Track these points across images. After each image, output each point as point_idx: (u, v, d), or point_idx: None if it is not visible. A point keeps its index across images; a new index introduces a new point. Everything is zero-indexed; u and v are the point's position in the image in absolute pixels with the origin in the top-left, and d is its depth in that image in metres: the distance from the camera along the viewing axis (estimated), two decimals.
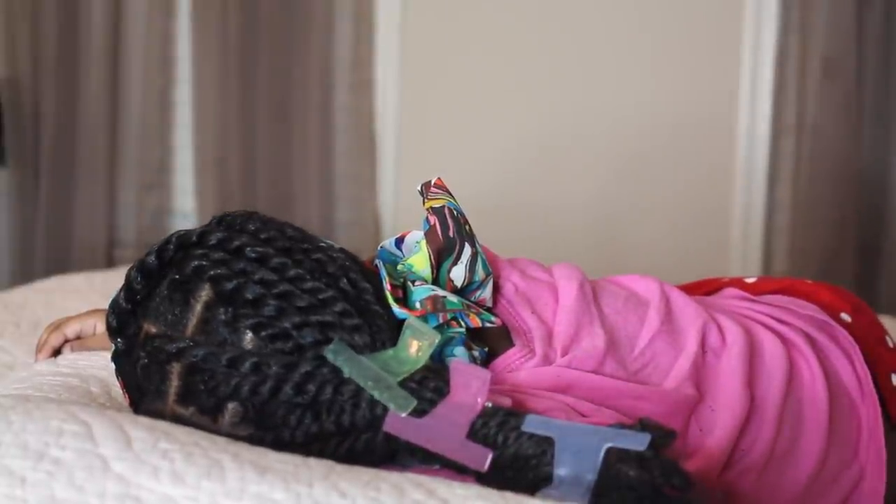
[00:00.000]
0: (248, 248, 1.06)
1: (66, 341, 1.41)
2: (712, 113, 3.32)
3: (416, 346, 1.02)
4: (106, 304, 1.14)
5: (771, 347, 1.22)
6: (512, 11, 3.36)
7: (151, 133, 3.49)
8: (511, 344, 1.15)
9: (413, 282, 1.12)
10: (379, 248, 1.20)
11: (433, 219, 1.15)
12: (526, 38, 3.37)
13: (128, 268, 1.11)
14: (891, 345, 1.35)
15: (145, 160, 3.50)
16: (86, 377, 1.27)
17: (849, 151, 3.23)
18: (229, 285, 1.02)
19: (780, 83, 3.25)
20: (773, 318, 1.29)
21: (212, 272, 1.04)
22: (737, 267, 3.27)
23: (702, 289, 1.48)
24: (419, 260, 1.13)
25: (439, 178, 1.20)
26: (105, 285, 2.15)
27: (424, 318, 1.08)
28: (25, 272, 3.42)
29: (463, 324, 1.11)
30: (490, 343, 1.15)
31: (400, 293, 1.12)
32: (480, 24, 3.38)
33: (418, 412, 0.96)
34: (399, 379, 0.99)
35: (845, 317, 1.33)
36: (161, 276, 1.07)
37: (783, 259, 3.25)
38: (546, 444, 0.93)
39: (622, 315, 1.21)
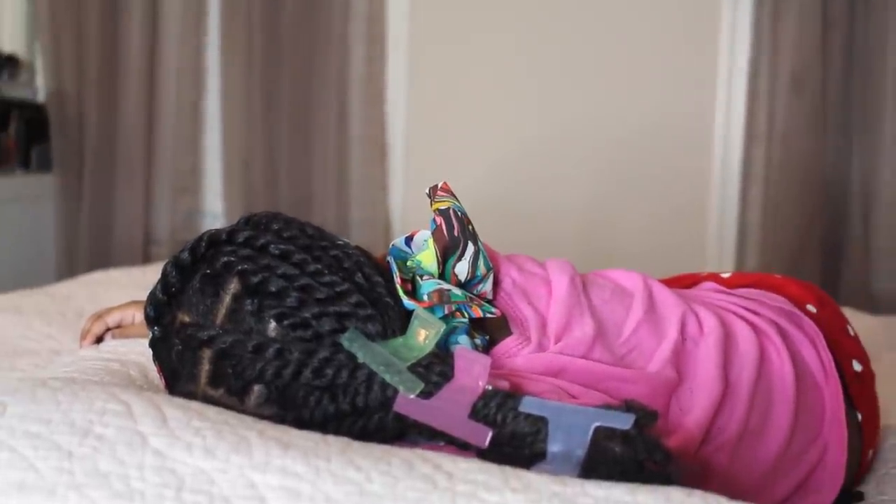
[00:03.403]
0: (273, 246, 1.06)
1: (108, 329, 1.41)
2: (691, 122, 3.32)
3: (423, 335, 1.02)
4: (143, 296, 1.14)
5: (744, 335, 1.22)
6: (508, 34, 3.37)
7: (184, 141, 3.50)
8: (509, 332, 1.15)
9: (421, 276, 1.12)
10: (390, 245, 1.20)
11: (439, 219, 1.14)
12: (519, 58, 3.38)
13: (163, 263, 1.11)
14: (852, 333, 1.35)
15: (178, 165, 3.50)
16: (126, 362, 1.27)
17: (814, 158, 3.23)
18: (255, 279, 1.02)
19: (753, 95, 3.25)
20: (746, 308, 1.29)
21: (239, 267, 1.03)
22: (713, 262, 3.27)
23: (681, 282, 1.48)
24: (427, 256, 1.13)
25: (445, 182, 1.20)
26: (142, 278, 2.15)
27: (431, 309, 1.08)
28: (70, 267, 3.43)
29: (466, 314, 1.11)
30: (490, 332, 1.15)
31: (409, 286, 1.11)
32: (480, 46, 3.39)
33: (425, 394, 0.96)
34: (408, 364, 0.98)
35: (811, 308, 1.33)
36: (194, 270, 1.07)
37: (755, 255, 3.25)
38: (540, 423, 0.92)
39: (609, 305, 1.21)
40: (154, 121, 3.49)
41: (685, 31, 3.30)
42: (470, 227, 1.16)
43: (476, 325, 1.14)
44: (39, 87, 3.53)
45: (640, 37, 3.32)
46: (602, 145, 3.34)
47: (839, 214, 3.27)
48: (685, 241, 3.32)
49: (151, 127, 3.49)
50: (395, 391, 0.97)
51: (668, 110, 3.32)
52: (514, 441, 0.93)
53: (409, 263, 1.16)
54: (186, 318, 1.05)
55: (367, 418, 1.00)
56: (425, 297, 1.09)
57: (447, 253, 1.13)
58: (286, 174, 3.46)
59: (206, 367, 1.02)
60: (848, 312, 1.71)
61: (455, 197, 1.18)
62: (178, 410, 0.93)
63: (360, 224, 3.44)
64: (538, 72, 3.36)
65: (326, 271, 1.05)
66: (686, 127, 3.32)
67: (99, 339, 1.41)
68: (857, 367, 1.30)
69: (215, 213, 3.55)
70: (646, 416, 0.93)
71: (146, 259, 3.48)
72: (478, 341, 1.12)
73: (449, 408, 0.95)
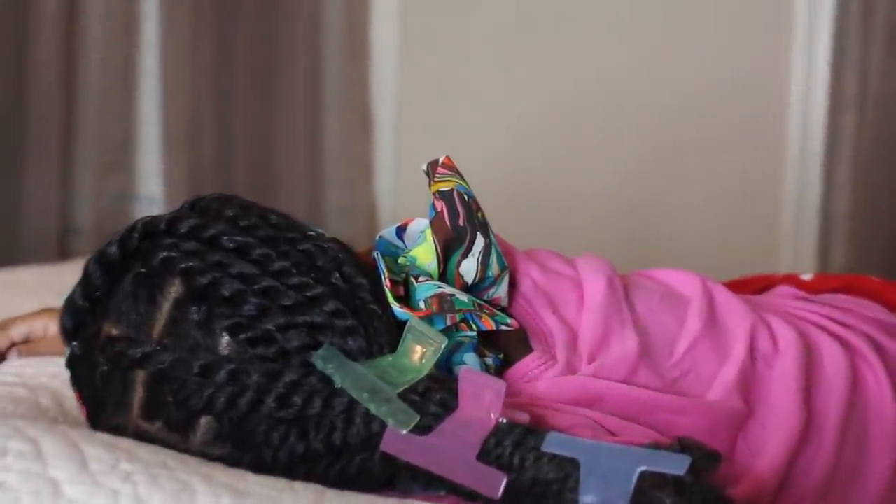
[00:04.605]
0: (225, 238, 1.05)
1: (13, 345, 1.40)
2: (761, 85, 3.32)
3: (419, 352, 1.02)
4: (59, 302, 1.13)
5: (831, 354, 1.21)
6: None
7: (112, 105, 3.49)
8: (529, 349, 1.15)
9: (416, 277, 1.11)
10: (377, 237, 1.20)
11: (440, 204, 1.14)
12: (541, 1, 3.37)
13: (85, 260, 1.10)
14: None
15: (105, 136, 3.49)
16: (34, 387, 1.27)
17: None
18: (203, 280, 1.02)
19: (839, 51, 3.25)
20: (833, 320, 1.29)
21: (183, 265, 1.03)
22: (788, 261, 3.27)
23: (750, 287, 1.48)
24: (424, 252, 1.13)
25: (448, 157, 1.20)
26: (57, 280, 2.14)
27: (429, 319, 1.07)
28: None
29: (474, 326, 1.11)
30: (505, 349, 1.15)
31: (401, 291, 1.11)
32: None
33: (421, 429, 0.96)
34: (399, 390, 0.98)
35: None
36: (124, 269, 1.07)
37: (842, 251, 3.25)
38: (570, 466, 0.92)
39: (658, 315, 1.21)
40: (73, 79, 3.48)
41: None
42: (479, 214, 1.16)
43: (487, 341, 1.14)
44: None
45: None
46: (646, 113, 3.34)
47: None
48: (753, 234, 3.33)
49: (70, 86, 3.47)
50: (383, 425, 0.97)
51: (730, 69, 3.32)
52: (535, 490, 0.93)
53: (400, 261, 1.16)
54: (114, 331, 1.05)
55: (347, 460, 1.00)
56: (422, 305, 1.09)
57: (450, 247, 1.13)
58: (242, 148, 3.46)
59: (139, 393, 1.02)
60: None
61: (460, 175, 1.18)
62: (101, 450, 0.93)
63: (339, 212, 3.44)
64: (565, 20, 3.36)
65: (295, 271, 1.05)
66: (755, 90, 3.32)
67: (0, 358, 1.40)
68: None
69: (152, 196, 3.55)
70: (705, 459, 0.93)
71: (63, 255, 3.47)
72: (489, 361, 1.12)
73: (452, 447, 0.95)
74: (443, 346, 1.02)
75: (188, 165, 3.46)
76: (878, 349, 1.25)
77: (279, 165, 3.46)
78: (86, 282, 1.08)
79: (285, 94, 3.44)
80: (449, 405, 0.98)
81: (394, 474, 1.00)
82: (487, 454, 0.95)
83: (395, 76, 3.42)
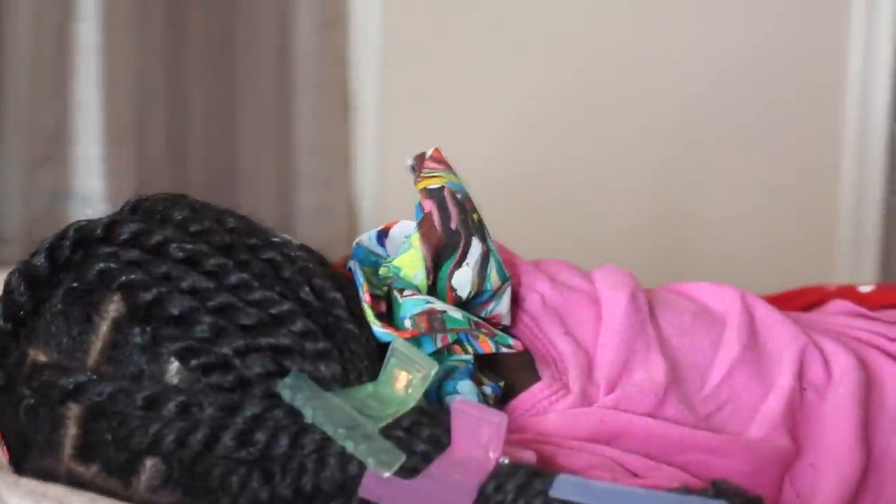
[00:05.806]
0: (174, 245, 1.05)
1: None
2: (813, 61, 3.32)
3: (404, 380, 1.01)
4: None
5: (895, 382, 1.21)
6: None
7: (44, 87, 3.49)
8: (536, 377, 1.15)
9: (401, 291, 1.12)
10: (354, 244, 1.20)
11: (428, 204, 1.14)
12: None
13: (7, 272, 1.10)
14: None
15: (35, 123, 3.49)
16: None
17: None
18: (147, 296, 1.02)
19: None
20: None
21: (123, 278, 1.03)
22: (845, 269, 3.27)
23: (799, 302, 1.48)
24: (409, 261, 1.13)
25: (437, 149, 1.20)
26: None
27: (417, 340, 1.08)
28: None
29: (470, 349, 1.12)
30: (507, 376, 1.15)
31: (383, 307, 1.12)
32: None
33: (407, 471, 0.96)
34: (381, 425, 0.98)
35: None
36: (53, 283, 1.07)
37: None
38: None
39: (689, 337, 1.21)
40: None
41: None
42: (475, 216, 1.17)
43: (485, 366, 1.15)
44: None
45: None
46: (677, 93, 3.34)
47: None
48: (802, 236, 3.33)
49: None
50: (362, 467, 0.97)
51: (776, 43, 3.32)
52: None
53: (382, 272, 1.17)
54: (42, 357, 1.04)
55: None
56: (407, 323, 1.09)
57: (441, 255, 1.14)
58: (197, 138, 3.46)
59: (72, 431, 1.02)
60: None
61: (452, 171, 1.18)
62: (27, 500, 0.92)
63: (312, 213, 3.43)
64: None
65: (256, 284, 1.06)
66: (805, 64, 3.32)
67: None
68: None
69: (90, 194, 3.55)
70: None
71: None
72: (488, 390, 1.13)
73: (443, 493, 0.96)
74: (432, 372, 1.02)
75: (134, 158, 3.46)
76: None
77: (241, 158, 3.47)
78: (7, 299, 1.08)
79: (249, 73, 3.44)
80: (440, 443, 0.98)
81: None
82: (486, 501, 0.95)
83: (379, 51, 3.43)
